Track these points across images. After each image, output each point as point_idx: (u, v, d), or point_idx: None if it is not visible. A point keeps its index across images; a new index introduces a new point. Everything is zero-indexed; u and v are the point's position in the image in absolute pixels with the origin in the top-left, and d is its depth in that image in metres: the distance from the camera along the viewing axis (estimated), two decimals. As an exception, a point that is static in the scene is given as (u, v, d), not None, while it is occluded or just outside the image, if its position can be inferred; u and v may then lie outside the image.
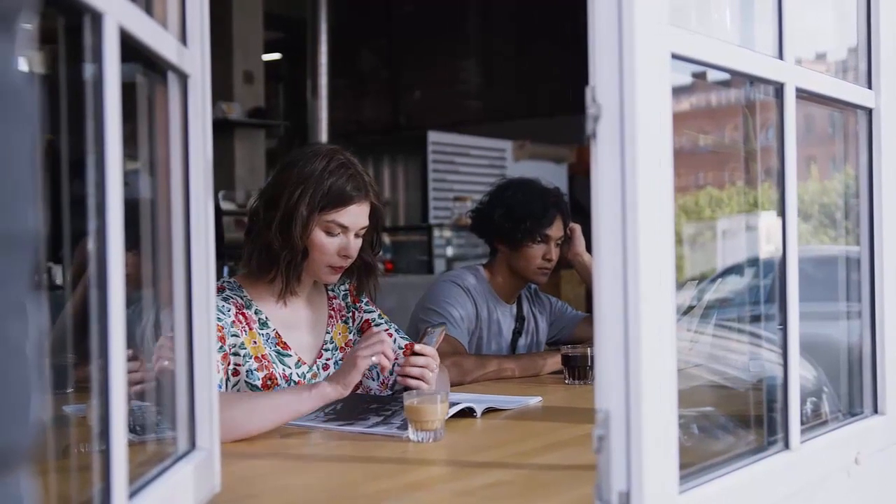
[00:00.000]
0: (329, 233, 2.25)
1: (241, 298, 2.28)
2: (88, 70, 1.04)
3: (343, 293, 2.49)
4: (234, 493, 1.53)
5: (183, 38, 1.38)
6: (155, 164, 1.39)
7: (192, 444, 1.41)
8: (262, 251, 2.27)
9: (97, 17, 1.02)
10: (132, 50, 1.14)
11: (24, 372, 0.59)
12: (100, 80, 1.03)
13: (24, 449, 0.60)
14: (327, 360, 2.38)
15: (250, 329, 2.25)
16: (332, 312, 2.44)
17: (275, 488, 1.67)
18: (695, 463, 1.37)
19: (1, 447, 0.58)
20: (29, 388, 0.60)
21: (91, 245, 1.04)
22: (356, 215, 2.27)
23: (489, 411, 2.25)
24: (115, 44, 1.05)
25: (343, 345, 2.43)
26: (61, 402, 1.37)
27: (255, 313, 2.29)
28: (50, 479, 1.19)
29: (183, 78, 1.38)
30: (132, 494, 1.12)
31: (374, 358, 2.02)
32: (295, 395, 2.04)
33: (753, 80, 1.60)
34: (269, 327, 2.29)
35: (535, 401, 2.43)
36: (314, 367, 2.35)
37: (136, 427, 1.38)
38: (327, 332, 2.41)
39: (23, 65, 0.61)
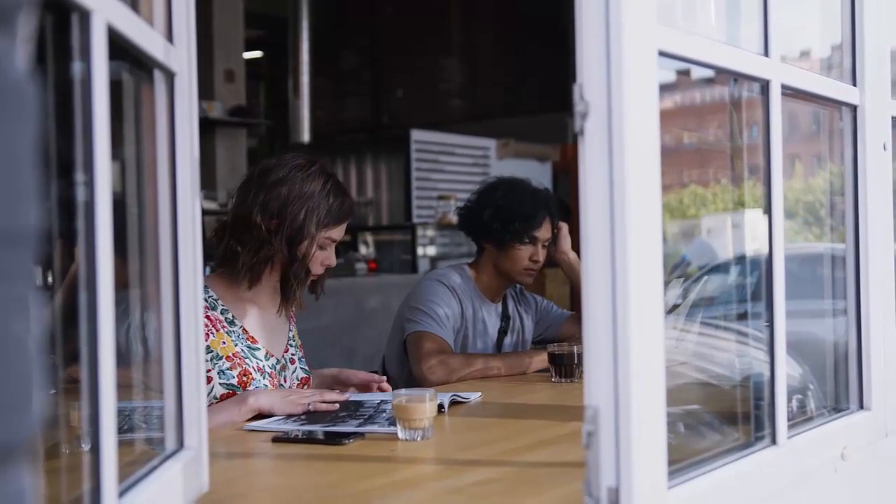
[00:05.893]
0: (321, 247, 2.38)
1: (206, 300, 2.32)
2: (76, 68, 1.04)
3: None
4: (223, 492, 1.52)
5: (169, 36, 1.38)
6: (141, 162, 1.39)
7: (181, 444, 1.40)
8: (262, 262, 2.34)
9: (85, 15, 1.02)
10: (118, 48, 1.14)
11: (26, 367, 0.60)
12: (88, 78, 1.03)
13: (27, 443, 0.61)
14: (292, 355, 2.51)
15: (217, 330, 2.31)
16: (291, 314, 2.56)
17: (263, 488, 1.67)
18: (684, 459, 1.38)
19: (4, 441, 0.58)
20: (31, 383, 0.60)
21: (79, 245, 1.03)
22: (344, 230, 2.44)
23: (454, 404, 2.31)
24: (104, 41, 1.04)
25: (299, 345, 2.58)
26: (47, 403, 1.36)
27: (222, 313, 2.36)
28: (37, 479, 1.18)
29: (170, 76, 1.38)
30: (121, 493, 1.12)
31: (310, 406, 2.19)
32: (227, 414, 2.14)
33: (739, 76, 1.61)
34: (236, 325, 2.37)
35: (475, 396, 2.46)
36: (282, 360, 2.46)
37: (122, 426, 1.38)
38: (290, 330, 2.54)
39: (23, 63, 0.61)
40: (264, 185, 2.34)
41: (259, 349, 2.38)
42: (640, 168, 1.21)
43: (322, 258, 2.39)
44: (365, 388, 2.51)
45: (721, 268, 2.42)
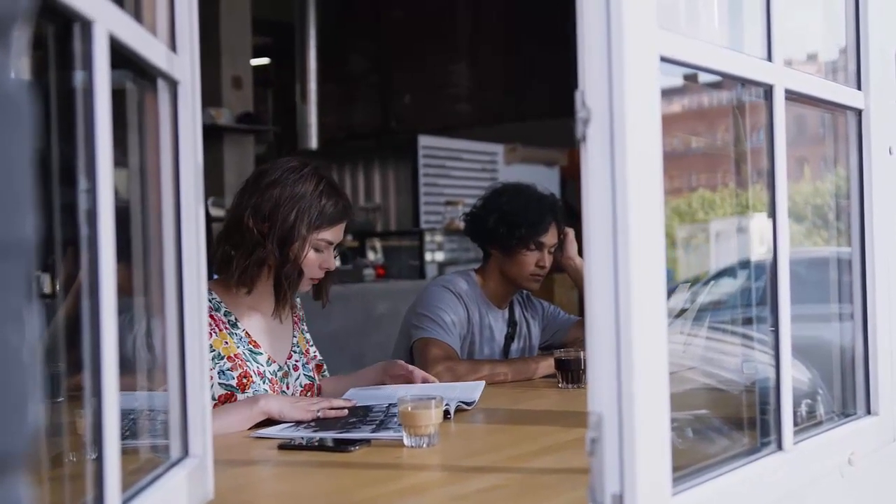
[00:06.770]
0: (317, 249, 2.38)
1: (210, 302, 2.33)
2: (78, 77, 1.04)
3: (299, 305, 2.63)
4: (228, 500, 1.52)
5: (172, 45, 1.38)
6: (145, 170, 1.39)
7: (185, 452, 1.40)
8: (255, 265, 2.34)
9: (87, 25, 1.02)
10: (121, 57, 1.14)
11: (22, 378, 0.60)
12: (90, 87, 1.03)
13: (23, 454, 0.61)
14: (296, 361, 2.50)
15: (220, 331, 2.33)
16: (296, 319, 2.57)
17: (268, 495, 1.67)
18: (688, 465, 1.37)
19: (0, 452, 0.59)
20: (27, 393, 0.61)
21: (82, 253, 1.04)
22: (341, 232, 2.43)
23: (460, 410, 2.30)
24: (105, 51, 1.05)
25: (304, 350, 2.56)
26: (53, 412, 1.37)
27: (225, 315, 2.37)
28: (43, 487, 1.19)
29: (173, 85, 1.38)
30: (125, 502, 1.12)
31: (319, 413, 2.18)
32: (238, 415, 2.12)
33: (743, 81, 1.60)
34: (239, 328, 2.37)
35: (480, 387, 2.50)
36: (285, 367, 2.45)
37: (125, 433, 1.38)
38: (294, 336, 2.53)
39: (18, 73, 0.61)
40: (258, 189, 2.36)
41: (261, 354, 2.39)
42: (641, 173, 1.21)
43: (319, 261, 2.38)
44: (407, 380, 2.54)
45: (729, 272, 2.41)
